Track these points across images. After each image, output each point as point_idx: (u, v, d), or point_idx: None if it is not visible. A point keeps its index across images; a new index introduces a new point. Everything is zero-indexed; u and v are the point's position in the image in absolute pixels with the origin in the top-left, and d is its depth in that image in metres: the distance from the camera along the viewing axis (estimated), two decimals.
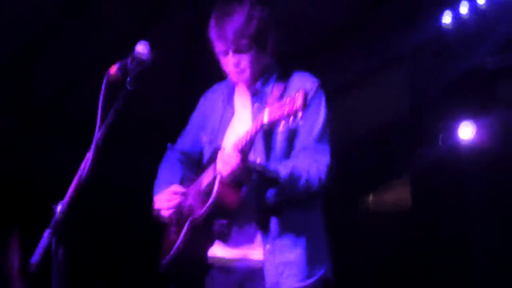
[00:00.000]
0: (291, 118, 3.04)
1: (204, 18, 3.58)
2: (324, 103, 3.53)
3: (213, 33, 3.49)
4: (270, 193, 3.35)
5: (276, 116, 3.08)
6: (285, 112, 3.04)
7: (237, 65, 3.49)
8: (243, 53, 3.46)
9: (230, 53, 3.46)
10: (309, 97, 3.38)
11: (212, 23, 3.49)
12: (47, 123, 7.94)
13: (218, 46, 3.48)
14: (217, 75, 3.74)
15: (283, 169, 3.33)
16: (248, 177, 3.29)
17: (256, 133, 3.22)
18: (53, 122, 7.92)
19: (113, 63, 3.08)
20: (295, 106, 3.01)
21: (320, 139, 3.47)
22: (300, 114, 3.01)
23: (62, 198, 2.82)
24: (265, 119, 3.13)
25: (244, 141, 3.24)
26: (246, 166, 3.26)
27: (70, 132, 7.82)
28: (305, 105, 3.01)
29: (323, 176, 3.41)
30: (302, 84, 3.47)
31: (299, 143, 3.46)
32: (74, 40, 6.77)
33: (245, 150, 3.24)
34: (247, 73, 3.52)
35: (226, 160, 3.23)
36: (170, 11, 6.50)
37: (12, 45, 6.77)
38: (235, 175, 3.26)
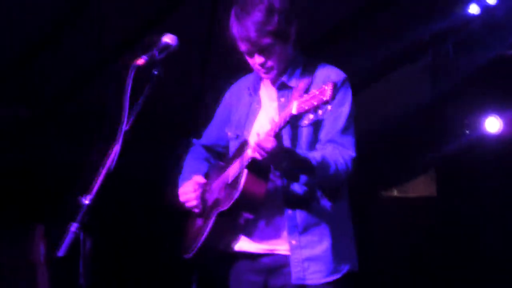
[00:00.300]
0: (320, 110, 3.02)
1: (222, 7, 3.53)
2: (350, 96, 3.49)
3: (235, 32, 3.44)
4: (302, 179, 3.30)
5: (305, 108, 3.06)
6: (314, 104, 3.03)
7: (263, 64, 3.46)
8: (268, 52, 3.42)
9: (255, 54, 3.44)
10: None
11: (233, 21, 3.45)
12: (65, 116, 7.97)
13: (242, 46, 3.45)
14: (239, 68, 3.72)
15: (314, 156, 3.29)
16: (282, 161, 3.23)
17: (285, 124, 3.19)
18: (71, 115, 7.95)
19: (127, 55, 3.06)
20: (324, 98, 2.99)
21: (345, 131, 3.43)
22: (329, 106, 3.00)
23: (87, 190, 2.81)
24: (294, 110, 3.11)
25: (276, 129, 3.20)
26: (281, 151, 3.21)
27: (90, 126, 7.85)
28: (334, 97, 2.99)
29: (349, 168, 3.38)
30: (328, 76, 3.44)
31: (324, 135, 3.43)
32: (85, 34, 6.78)
33: (279, 136, 3.21)
34: (274, 71, 3.50)
35: (261, 145, 3.18)
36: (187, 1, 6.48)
37: (23, 38, 6.79)
38: (270, 159, 3.20)
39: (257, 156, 3.22)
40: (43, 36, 6.91)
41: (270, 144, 3.17)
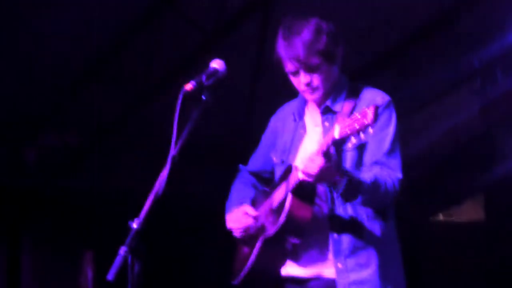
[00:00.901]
0: (362, 134, 3.01)
1: (269, 34, 3.56)
2: (395, 119, 3.47)
3: (281, 52, 3.45)
4: (358, 198, 3.27)
5: (348, 132, 3.05)
6: (357, 127, 3.01)
7: (309, 84, 3.46)
8: (315, 72, 3.43)
9: (302, 73, 3.43)
10: (379, 111, 3.36)
11: (280, 41, 3.46)
12: (113, 142, 8.05)
13: (288, 66, 3.45)
14: (286, 93, 3.73)
15: (364, 175, 3.28)
16: (336, 178, 3.20)
17: (327, 148, 3.17)
18: (119, 141, 8.03)
19: (178, 81, 3.09)
20: (365, 121, 2.98)
21: (390, 153, 3.40)
22: (370, 129, 2.98)
23: (136, 214, 2.84)
24: (336, 134, 3.10)
25: (324, 149, 3.16)
26: (333, 167, 3.18)
27: (135, 150, 7.92)
28: (376, 120, 2.97)
29: (397, 189, 3.35)
30: (372, 100, 3.41)
31: (369, 157, 3.41)
32: (137, 59, 6.87)
33: (328, 155, 3.17)
34: (319, 91, 3.48)
35: (310, 164, 3.17)
36: (236, 27, 6.52)
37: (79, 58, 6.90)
38: (320, 178, 3.18)
39: (306, 177, 3.20)
40: (94, 64, 7.02)
41: (319, 161, 3.14)
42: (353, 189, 3.23)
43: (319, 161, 3.15)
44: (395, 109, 3.51)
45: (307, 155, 3.24)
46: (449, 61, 6.77)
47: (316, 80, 3.45)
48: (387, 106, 3.47)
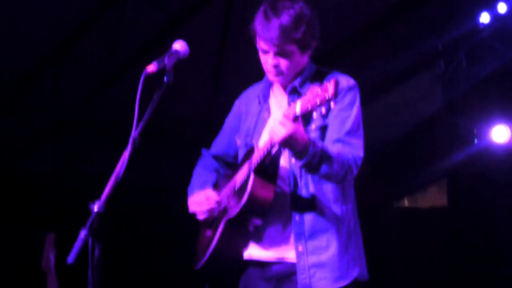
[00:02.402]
0: (323, 108, 2.99)
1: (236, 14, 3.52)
2: (358, 101, 3.48)
3: (258, 29, 3.42)
4: (323, 169, 3.24)
5: (309, 106, 3.03)
6: (317, 102, 2.99)
7: (276, 66, 3.45)
8: (284, 57, 3.42)
9: (271, 54, 3.42)
10: (342, 92, 3.38)
11: (260, 18, 3.42)
12: (75, 125, 8.00)
13: (261, 44, 3.43)
14: (251, 76, 3.72)
15: (330, 148, 3.27)
16: (302, 146, 3.16)
17: (294, 116, 3.11)
18: (80, 124, 7.98)
19: (142, 63, 3.06)
20: (327, 95, 2.96)
21: (352, 132, 3.41)
22: (332, 103, 2.97)
23: (97, 197, 2.81)
24: (298, 110, 3.08)
25: (292, 116, 3.11)
26: (302, 133, 3.14)
27: (98, 133, 7.87)
28: (337, 94, 2.95)
29: (358, 166, 3.36)
30: (340, 82, 3.40)
31: (331, 135, 3.40)
32: (100, 42, 6.81)
33: (297, 119, 3.12)
34: (283, 76, 3.48)
35: (279, 128, 3.12)
36: (201, 9, 6.48)
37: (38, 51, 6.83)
38: (289, 142, 3.14)
39: (274, 138, 3.16)
40: (57, 46, 6.95)
41: (289, 125, 3.10)
42: (317, 158, 3.20)
43: (289, 125, 3.11)
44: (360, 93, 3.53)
45: (276, 119, 3.18)
46: (411, 46, 6.79)
47: (283, 64, 3.43)
48: (351, 89, 3.47)
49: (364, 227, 3.56)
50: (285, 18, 3.35)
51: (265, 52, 3.44)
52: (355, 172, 3.37)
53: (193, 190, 3.73)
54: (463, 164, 6.95)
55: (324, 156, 3.22)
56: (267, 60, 3.45)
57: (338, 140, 3.38)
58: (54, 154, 8.18)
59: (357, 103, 3.47)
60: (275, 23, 3.35)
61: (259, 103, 3.66)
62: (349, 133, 3.40)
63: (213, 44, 6.76)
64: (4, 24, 6.47)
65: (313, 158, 3.19)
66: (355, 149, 3.37)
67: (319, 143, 3.25)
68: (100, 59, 6.97)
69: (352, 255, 3.46)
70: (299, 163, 3.25)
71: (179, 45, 3.11)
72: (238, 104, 3.82)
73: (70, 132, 8.05)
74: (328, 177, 3.31)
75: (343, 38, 6.94)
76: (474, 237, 6.85)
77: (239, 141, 3.71)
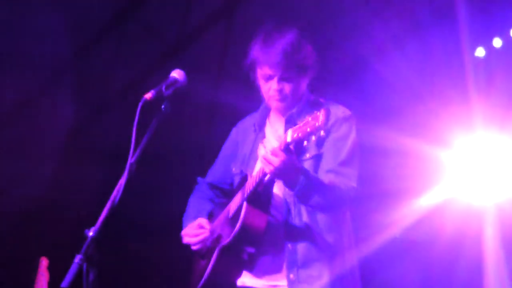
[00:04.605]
0: (313, 137, 3.02)
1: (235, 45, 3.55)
2: (355, 132, 3.52)
3: (259, 56, 3.48)
4: (314, 199, 3.27)
5: (299, 135, 3.06)
6: (308, 130, 3.02)
7: (280, 91, 3.49)
8: (288, 81, 3.47)
9: (275, 79, 3.47)
10: (338, 122, 3.42)
11: (258, 45, 3.49)
12: (73, 150, 7.99)
13: (264, 70, 3.48)
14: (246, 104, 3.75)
15: (322, 178, 3.30)
16: (294, 176, 3.20)
17: (285, 146, 3.16)
18: (79, 149, 7.97)
19: (140, 90, 3.08)
20: (317, 123, 3.00)
21: (345, 163, 3.43)
22: (322, 132, 3.00)
23: (93, 223, 2.82)
24: (289, 138, 3.11)
25: (282, 146, 3.16)
26: (294, 163, 3.18)
27: (97, 159, 7.86)
28: (327, 123, 3.00)
29: (351, 196, 3.39)
30: (334, 113, 3.45)
31: (323, 165, 3.43)
32: (102, 65, 6.83)
33: (288, 150, 3.16)
34: (288, 100, 3.52)
35: (271, 158, 3.16)
36: (200, 38, 6.53)
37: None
38: (281, 172, 3.17)
39: (266, 170, 3.19)
40: (53, 75, 6.97)
41: (280, 156, 3.14)
42: (310, 187, 3.23)
43: (281, 155, 3.15)
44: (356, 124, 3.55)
45: (269, 149, 3.22)
46: None
47: (288, 88, 3.49)
48: (347, 119, 3.51)
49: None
50: (286, 42, 3.43)
51: (269, 78, 3.48)
52: (348, 202, 3.39)
53: (187, 220, 3.76)
54: None
55: (316, 186, 3.25)
56: (271, 86, 3.49)
57: (331, 171, 3.40)
58: (48, 179, 8.16)
59: (353, 134, 3.51)
60: (278, 46, 3.42)
61: (255, 131, 3.70)
62: (342, 163, 3.42)
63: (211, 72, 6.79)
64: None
65: (305, 187, 3.22)
66: (347, 180, 3.40)
67: (311, 173, 3.27)
68: (97, 84, 6.99)
69: (345, 286, 3.46)
70: (291, 193, 3.28)
71: (177, 74, 3.14)
72: (236, 132, 3.86)
73: (66, 156, 8.04)
74: (319, 207, 3.35)
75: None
76: None
77: (234, 169, 3.73)
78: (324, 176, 3.36)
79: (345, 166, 3.43)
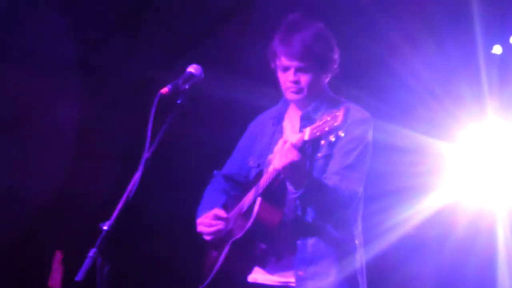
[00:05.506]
0: (332, 136, 3.03)
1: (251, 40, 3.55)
2: (370, 134, 3.50)
3: (278, 45, 3.48)
4: (316, 200, 3.29)
5: (317, 133, 3.07)
6: (326, 129, 3.03)
7: (296, 82, 3.49)
8: (305, 72, 3.46)
9: (292, 70, 3.46)
10: (354, 124, 3.39)
11: (280, 34, 3.50)
12: (88, 144, 8.01)
13: (282, 61, 3.47)
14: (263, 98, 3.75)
15: (327, 182, 3.30)
16: (301, 177, 3.21)
17: (302, 145, 3.17)
18: (94, 144, 7.99)
19: (154, 86, 3.09)
20: (335, 123, 3.01)
21: (352, 167, 3.42)
22: (341, 132, 3.00)
23: (108, 217, 2.83)
24: (306, 136, 3.12)
25: (299, 144, 3.17)
26: (303, 164, 3.19)
27: (112, 153, 7.88)
28: (345, 123, 3.00)
29: (353, 200, 3.39)
30: (352, 114, 3.40)
31: (331, 167, 3.43)
32: (117, 59, 6.85)
33: (303, 150, 3.17)
34: (303, 93, 3.51)
35: (285, 154, 3.17)
36: (216, 32, 6.53)
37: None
38: (290, 171, 3.18)
39: (277, 164, 3.20)
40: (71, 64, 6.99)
41: (293, 154, 3.15)
42: (312, 189, 3.24)
43: (294, 153, 3.15)
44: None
45: (283, 144, 3.23)
46: None
47: (304, 80, 3.48)
48: (364, 122, 3.49)
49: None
50: (307, 33, 3.43)
51: (286, 69, 3.48)
52: (348, 207, 3.39)
53: (202, 211, 3.77)
54: None
55: (319, 188, 3.26)
56: (287, 78, 3.49)
57: (337, 173, 3.39)
58: (64, 174, 8.18)
59: (367, 137, 3.49)
60: (297, 38, 3.42)
61: (273, 124, 3.71)
62: (348, 167, 3.41)
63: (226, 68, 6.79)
64: None
65: (308, 189, 3.23)
66: (352, 184, 3.39)
67: (315, 176, 3.28)
68: (112, 79, 7.01)
69: (352, 283, 3.47)
70: (294, 193, 3.28)
71: (193, 69, 3.15)
72: (253, 126, 3.87)
73: (80, 151, 8.06)
74: (319, 210, 3.35)
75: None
76: None
77: (251, 162, 3.74)
78: (330, 178, 3.36)
79: (352, 170, 3.41)
